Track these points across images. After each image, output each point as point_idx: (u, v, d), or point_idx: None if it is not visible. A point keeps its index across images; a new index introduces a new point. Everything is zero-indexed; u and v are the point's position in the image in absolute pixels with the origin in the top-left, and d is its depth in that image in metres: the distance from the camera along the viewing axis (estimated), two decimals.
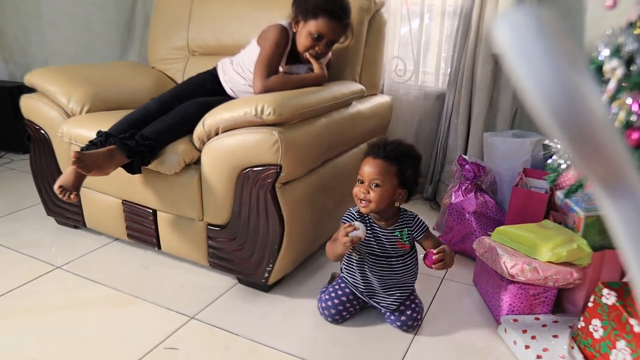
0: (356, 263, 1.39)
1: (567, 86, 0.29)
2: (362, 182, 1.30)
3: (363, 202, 1.30)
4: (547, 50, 0.29)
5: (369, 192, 1.28)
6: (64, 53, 3.11)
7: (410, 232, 1.37)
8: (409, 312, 1.39)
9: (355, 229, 1.25)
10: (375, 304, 1.43)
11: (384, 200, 1.29)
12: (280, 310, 1.49)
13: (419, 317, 1.41)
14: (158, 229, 1.70)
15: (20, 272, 1.66)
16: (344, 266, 1.44)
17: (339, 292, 1.43)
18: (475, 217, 1.79)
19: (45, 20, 3.09)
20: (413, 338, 1.38)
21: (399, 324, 1.40)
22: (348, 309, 1.43)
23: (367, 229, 1.33)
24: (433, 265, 1.26)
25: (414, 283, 1.43)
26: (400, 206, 1.36)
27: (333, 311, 1.41)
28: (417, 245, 1.42)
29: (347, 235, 1.24)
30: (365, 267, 1.38)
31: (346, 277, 1.44)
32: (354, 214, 1.37)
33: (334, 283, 1.47)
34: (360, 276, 1.39)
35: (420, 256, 1.37)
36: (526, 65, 0.29)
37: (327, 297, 1.44)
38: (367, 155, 1.32)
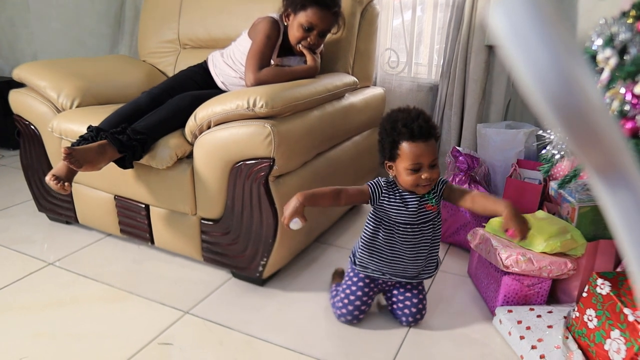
0: (383, 238, 1.31)
1: (564, 72, 0.28)
2: (418, 170, 1.21)
3: (427, 187, 1.24)
4: (544, 36, 0.28)
5: (430, 176, 1.21)
6: (53, 47, 3.07)
7: (432, 191, 1.29)
8: (418, 304, 1.38)
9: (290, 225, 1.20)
10: (403, 279, 1.36)
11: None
12: (274, 304, 1.49)
13: (424, 311, 1.40)
14: (151, 224, 1.68)
15: (12, 269, 1.64)
16: (361, 250, 1.35)
17: (353, 288, 1.37)
18: None
19: (34, 13, 3.04)
20: (408, 330, 1.38)
21: (408, 314, 1.37)
22: (367, 302, 1.39)
23: (396, 198, 1.27)
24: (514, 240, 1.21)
25: (438, 252, 1.38)
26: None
27: (356, 312, 1.37)
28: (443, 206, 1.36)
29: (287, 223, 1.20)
30: (395, 238, 1.30)
31: (365, 260, 1.35)
32: (380, 185, 1.28)
33: (344, 282, 1.41)
34: (389, 251, 1.31)
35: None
36: (522, 51, 0.28)
37: (344, 298, 1.38)
38: (409, 139, 1.19)
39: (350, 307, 1.37)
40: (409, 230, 1.30)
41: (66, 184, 1.43)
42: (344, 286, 1.40)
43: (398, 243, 1.31)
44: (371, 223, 1.33)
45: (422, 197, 1.28)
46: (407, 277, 1.36)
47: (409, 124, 1.19)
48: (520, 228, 1.16)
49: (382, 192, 1.28)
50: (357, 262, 1.37)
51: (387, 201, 1.28)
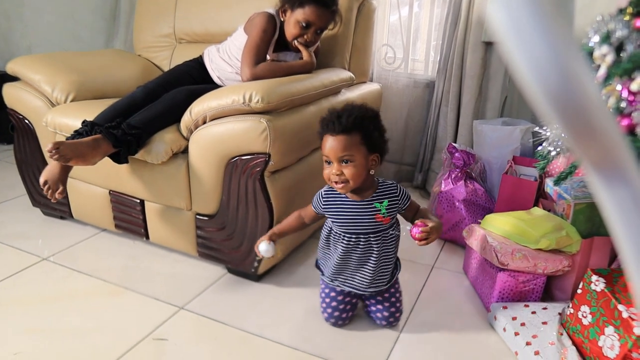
0: (332, 243, 1.29)
1: (563, 67, 0.28)
2: (329, 163, 1.19)
3: (339, 183, 1.18)
4: (542, 31, 0.28)
5: (341, 172, 1.17)
6: (47, 40, 3.05)
7: (393, 203, 1.25)
8: (390, 307, 1.35)
9: (261, 254, 1.29)
10: (353, 289, 1.33)
11: (360, 173, 1.18)
12: (270, 299, 1.49)
13: (398, 314, 1.37)
14: (146, 219, 1.68)
15: (6, 264, 1.63)
16: (319, 249, 1.36)
17: (327, 300, 1.36)
18: (465, 205, 1.79)
19: (28, 6, 3.02)
20: (403, 326, 1.39)
21: (381, 317, 1.36)
22: (345, 309, 1.36)
23: (337, 206, 1.25)
24: (416, 241, 1.16)
25: (393, 265, 1.33)
26: (378, 177, 1.27)
27: (338, 315, 1.35)
28: (401, 221, 1.32)
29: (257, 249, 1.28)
30: (339, 247, 1.27)
31: (324, 269, 1.36)
32: (320, 196, 1.27)
33: (321, 289, 1.39)
34: (335, 258, 1.29)
35: (406, 229, 1.31)
36: (521, 46, 0.28)
37: (323, 304, 1.37)
38: (324, 133, 1.19)
39: (330, 312, 1.36)
40: (351, 240, 1.25)
41: (58, 192, 1.44)
42: (322, 294, 1.38)
43: (342, 252, 1.27)
44: (324, 231, 1.33)
45: (371, 204, 1.24)
46: (358, 288, 1.32)
47: (327, 117, 1.20)
48: (431, 231, 1.16)
49: (321, 204, 1.27)
50: (318, 268, 1.40)
51: (329, 209, 1.26)
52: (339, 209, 1.25)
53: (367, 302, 1.39)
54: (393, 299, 1.36)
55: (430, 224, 1.16)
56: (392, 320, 1.36)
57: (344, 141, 1.16)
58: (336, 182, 1.19)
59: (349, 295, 1.37)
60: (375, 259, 1.27)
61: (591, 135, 0.30)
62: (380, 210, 1.24)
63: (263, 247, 1.28)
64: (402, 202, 1.26)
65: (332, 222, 1.28)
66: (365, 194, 1.25)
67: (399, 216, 1.30)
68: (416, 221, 1.19)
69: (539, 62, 0.28)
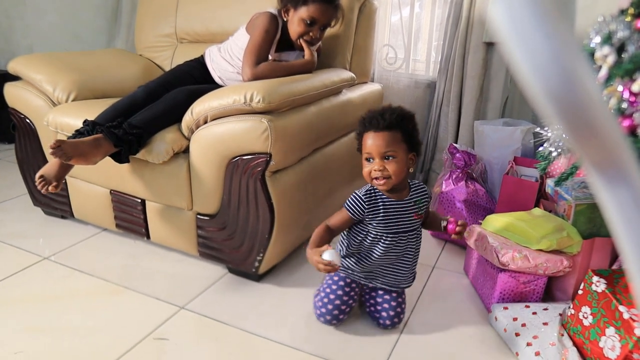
0: (367, 247, 1.29)
1: (564, 67, 0.28)
2: (371, 160, 1.22)
3: (381, 179, 1.21)
4: (544, 31, 0.28)
5: (384, 168, 1.20)
6: (49, 40, 3.05)
7: (424, 200, 1.31)
8: (397, 307, 1.35)
9: (333, 268, 1.15)
10: (380, 284, 1.35)
11: (402, 170, 1.21)
12: (270, 299, 1.49)
13: (402, 315, 1.37)
14: (147, 219, 1.68)
15: (7, 263, 1.63)
16: (347, 254, 1.34)
17: (334, 287, 1.34)
18: (466, 206, 1.79)
19: (29, 6, 3.02)
20: (404, 326, 1.39)
21: (386, 317, 1.34)
22: (347, 302, 1.35)
23: (379, 207, 1.25)
24: (454, 235, 1.27)
25: (417, 259, 1.36)
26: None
27: (336, 312, 1.34)
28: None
29: (323, 264, 1.15)
30: (378, 247, 1.28)
31: (349, 263, 1.34)
32: (361, 201, 1.25)
33: (325, 281, 1.38)
34: (369, 257, 1.30)
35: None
36: (522, 45, 0.28)
37: (324, 297, 1.35)
38: (366, 130, 1.23)
39: (329, 307, 1.34)
40: (393, 239, 1.28)
41: (51, 186, 1.43)
42: (325, 285, 1.37)
43: (381, 251, 1.28)
44: (358, 229, 1.31)
45: (409, 203, 1.28)
46: (387, 284, 1.35)
47: (369, 116, 1.24)
48: (464, 224, 1.27)
49: (365, 206, 1.25)
50: (341, 264, 1.36)
51: (372, 211, 1.26)
52: (383, 209, 1.26)
53: (373, 301, 1.37)
54: (400, 299, 1.37)
55: (459, 220, 1.28)
56: (397, 321, 1.36)
57: (388, 137, 1.20)
58: (377, 179, 1.22)
59: (354, 290, 1.37)
60: (411, 256, 1.33)
61: (592, 135, 0.30)
62: (418, 208, 1.30)
63: (327, 256, 1.16)
64: (429, 200, 1.34)
65: (375, 224, 1.27)
66: (403, 193, 1.29)
67: None
68: (448, 218, 1.30)
69: (540, 62, 0.28)
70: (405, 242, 1.30)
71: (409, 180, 1.32)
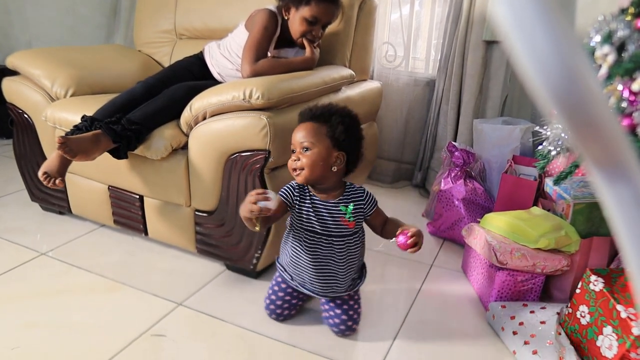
0: (291, 242, 1.26)
1: (567, 63, 0.28)
2: (293, 152, 1.20)
3: (296, 171, 1.18)
4: (546, 27, 0.28)
5: (299, 159, 1.17)
6: (47, 35, 3.04)
7: (358, 207, 1.23)
8: (343, 315, 1.29)
9: (266, 198, 1.10)
10: (308, 292, 1.30)
11: (317, 164, 1.16)
12: None
13: (354, 325, 1.31)
14: (145, 215, 1.68)
15: (4, 258, 1.63)
16: (281, 253, 1.34)
17: (275, 288, 1.35)
18: (465, 204, 1.79)
19: (28, 1, 3.01)
20: (402, 324, 1.39)
21: (333, 324, 1.31)
22: (287, 307, 1.34)
23: (306, 202, 1.22)
24: (408, 250, 1.13)
25: (355, 274, 1.31)
26: (347, 180, 1.27)
27: (278, 311, 1.34)
28: (366, 229, 1.31)
29: (255, 202, 1.09)
30: (302, 246, 1.24)
31: (280, 262, 1.34)
32: (292, 188, 1.23)
33: (275, 275, 1.37)
34: (298, 260, 1.26)
35: (367, 239, 1.30)
36: (525, 41, 0.28)
37: (270, 295, 1.36)
38: (298, 122, 1.22)
39: (272, 307, 1.35)
40: (315, 240, 1.23)
41: (58, 180, 1.43)
42: (272, 283, 1.37)
43: (304, 252, 1.24)
44: (288, 226, 1.30)
45: (337, 206, 1.22)
46: (313, 291, 1.29)
47: (304, 108, 1.23)
48: (418, 235, 1.13)
49: (294, 195, 1.23)
50: (278, 263, 1.36)
51: (299, 206, 1.23)
52: (312, 205, 1.23)
53: (323, 307, 1.35)
54: (349, 309, 1.30)
55: (412, 229, 1.14)
56: (345, 329, 1.30)
57: (309, 128, 1.18)
58: (294, 170, 1.19)
59: (299, 296, 1.35)
60: (337, 264, 1.25)
61: (593, 132, 0.30)
62: (345, 214, 1.22)
63: (264, 203, 1.10)
64: (367, 206, 1.25)
65: (297, 217, 1.23)
66: (333, 195, 1.24)
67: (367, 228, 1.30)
68: (398, 231, 1.16)
69: (542, 58, 0.28)
70: (329, 247, 1.23)
71: (348, 184, 1.27)
